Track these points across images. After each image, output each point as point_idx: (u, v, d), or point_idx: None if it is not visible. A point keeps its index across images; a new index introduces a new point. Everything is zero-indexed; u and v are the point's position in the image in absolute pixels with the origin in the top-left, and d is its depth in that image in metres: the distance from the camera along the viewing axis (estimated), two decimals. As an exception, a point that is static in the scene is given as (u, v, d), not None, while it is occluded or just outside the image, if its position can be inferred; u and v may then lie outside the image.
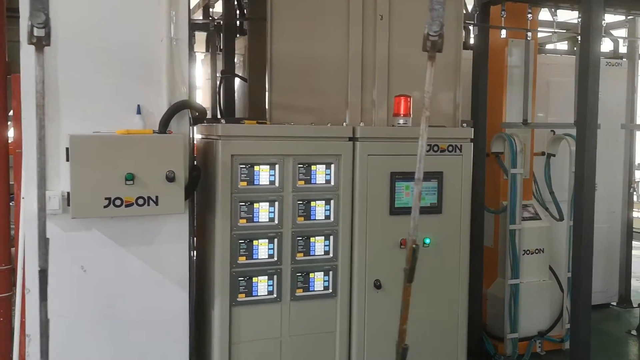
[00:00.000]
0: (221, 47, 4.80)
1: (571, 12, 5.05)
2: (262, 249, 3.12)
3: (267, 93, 3.59)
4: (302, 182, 3.18)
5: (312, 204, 3.21)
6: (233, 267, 3.07)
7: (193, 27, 4.75)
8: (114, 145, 2.66)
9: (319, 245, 3.24)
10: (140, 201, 2.69)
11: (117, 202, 2.65)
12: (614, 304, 5.98)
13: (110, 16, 2.82)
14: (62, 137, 2.73)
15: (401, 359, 2.32)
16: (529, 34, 4.21)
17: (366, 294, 3.33)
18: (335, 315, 3.29)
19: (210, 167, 3.13)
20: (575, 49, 5.48)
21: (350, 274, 3.31)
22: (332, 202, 3.25)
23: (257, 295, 3.12)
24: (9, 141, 3.53)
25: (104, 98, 2.82)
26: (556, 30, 4.67)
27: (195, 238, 3.47)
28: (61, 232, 2.75)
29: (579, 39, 3.65)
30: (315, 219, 3.22)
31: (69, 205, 2.63)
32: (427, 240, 3.41)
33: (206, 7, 5.31)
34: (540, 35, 5.86)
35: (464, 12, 4.34)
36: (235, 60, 4.75)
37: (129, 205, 2.67)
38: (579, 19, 4.16)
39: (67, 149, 2.61)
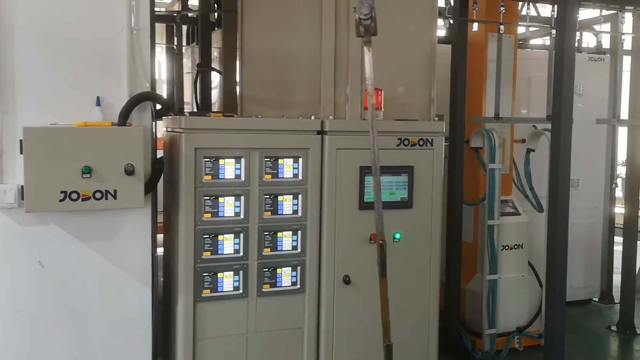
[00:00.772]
0: (191, 41, 4.74)
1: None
2: (228, 244, 3.07)
3: (237, 86, 3.55)
4: (269, 176, 3.13)
5: (280, 198, 3.16)
6: (197, 262, 3.02)
7: (158, 18, 4.69)
8: (70, 137, 2.60)
9: (286, 240, 3.19)
10: (98, 195, 2.63)
11: (74, 196, 2.59)
12: (596, 299, 5.96)
13: (69, 6, 2.76)
14: (19, 130, 2.66)
15: (387, 356, 2.24)
16: (502, 27, 4.16)
17: (335, 289, 3.29)
18: (303, 311, 3.25)
19: (174, 161, 3.08)
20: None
21: (319, 270, 3.27)
22: (300, 196, 3.20)
23: (222, 291, 3.07)
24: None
25: (63, 90, 2.76)
26: (530, 24, 4.62)
27: (163, 234, 3.43)
28: (18, 226, 2.70)
29: (553, 33, 3.61)
30: (282, 214, 3.17)
31: (23, 199, 2.57)
32: (398, 235, 3.37)
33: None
34: (522, 30, 5.83)
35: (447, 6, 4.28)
36: (217, 54, 4.69)
37: (86, 199, 2.61)
38: (552, 13, 4.14)
39: (20, 141, 2.55)
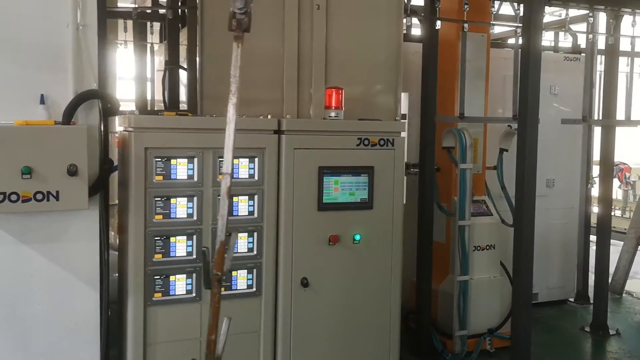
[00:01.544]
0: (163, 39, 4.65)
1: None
2: (180, 246, 3.00)
3: (197, 84, 3.46)
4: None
5: (235, 199, 3.09)
6: (148, 265, 2.94)
7: (114, 14, 4.59)
8: (9, 136, 2.51)
9: (242, 243, 3.12)
10: (39, 196, 2.54)
11: (13, 197, 2.50)
12: (572, 300, 5.93)
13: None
14: (-42, 128, 2.58)
15: None
16: (466, 25, 4.11)
17: (292, 292, 3.22)
18: (260, 314, 3.18)
19: (125, 161, 2.99)
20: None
21: (276, 272, 3.20)
22: (256, 197, 3.13)
23: (174, 295, 3.00)
24: None
25: (5, 87, 2.67)
26: (498, 23, 4.57)
27: (118, 235, 3.34)
28: (-44, 228, 2.61)
29: (518, 32, 3.57)
30: (237, 215, 3.10)
31: (-42, 200, 2.49)
32: (358, 237, 3.31)
33: (155, -5, 5.15)
34: (501, 30, 5.77)
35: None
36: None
37: (26, 200, 2.52)
38: (516, 12, 4.10)
39: (-44, 140, 2.46)
